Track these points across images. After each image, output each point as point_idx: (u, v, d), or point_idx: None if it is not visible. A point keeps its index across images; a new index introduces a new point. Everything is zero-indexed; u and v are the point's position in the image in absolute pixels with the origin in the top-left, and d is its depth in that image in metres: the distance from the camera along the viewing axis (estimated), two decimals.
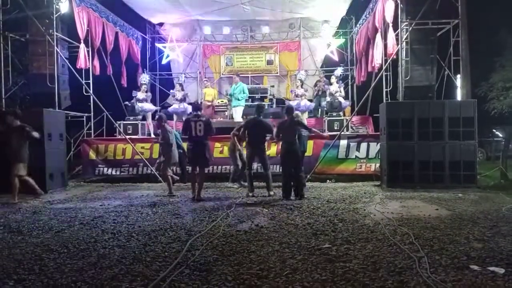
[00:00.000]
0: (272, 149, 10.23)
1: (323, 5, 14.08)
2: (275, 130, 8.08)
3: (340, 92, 12.69)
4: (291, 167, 7.83)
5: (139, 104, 12.26)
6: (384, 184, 9.17)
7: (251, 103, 13.53)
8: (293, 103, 12.46)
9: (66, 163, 10.08)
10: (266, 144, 8.44)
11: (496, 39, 17.22)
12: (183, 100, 12.68)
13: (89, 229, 5.31)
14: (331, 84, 12.96)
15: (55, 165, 9.20)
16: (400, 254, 4.04)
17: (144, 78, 13.07)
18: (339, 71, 13.31)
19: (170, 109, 12.84)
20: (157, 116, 9.23)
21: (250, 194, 8.05)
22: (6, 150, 7.76)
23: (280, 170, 9.89)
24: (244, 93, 12.81)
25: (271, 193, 8.13)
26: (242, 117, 12.31)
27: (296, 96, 12.84)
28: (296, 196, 7.72)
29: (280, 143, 8.27)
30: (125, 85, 14.20)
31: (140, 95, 12.55)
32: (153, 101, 14.00)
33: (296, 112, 9.94)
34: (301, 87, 13.11)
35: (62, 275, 3.55)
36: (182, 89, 12.92)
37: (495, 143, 16.59)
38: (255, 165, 8.79)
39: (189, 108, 12.87)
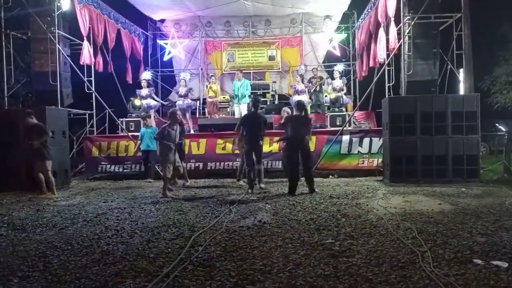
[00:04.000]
0: (275, 146, 10.23)
1: (324, 0, 14.03)
2: (288, 125, 8.06)
3: (343, 89, 12.67)
4: (302, 163, 7.88)
5: (143, 101, 12.32)
6: (386, 179, 9.17)
7: None
8: (296, 98, 12.49)
9: (69, 160, 10.11)
10: (262, 140, 8.42)
11: (499, 33, 17.15)
12: (185, 96, 12.71)
13: (93, 226, 5.33)
14: (334, 79, 12.94)
15: (58, 162, 9.20)
16: (403, 249, 4.04)
17: (145, 75, 13.12)
18: (340, 66, 13.28)
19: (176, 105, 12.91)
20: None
21: (250, 191, 7.96)
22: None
23: (280, 166, 9.95)
24: (247, 90, 12.82)
25: (262, 185, 8.33)
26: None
27: (296, 91, 12.83)
28: (311, 191, 7.79)
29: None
30: (130, 82, 14.23)
31: (144, 91, 12.60)
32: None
33: (285, 108, 9.98)
34: (302, 82, 13.10)
35: (66, 272, 3.57)
36: (185, 85, 12.97)
37: (498, 137, 16.53)
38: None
39: (192, 104, 12.98)
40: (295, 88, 13.01)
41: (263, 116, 8.56)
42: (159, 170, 8.39)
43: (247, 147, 8.21)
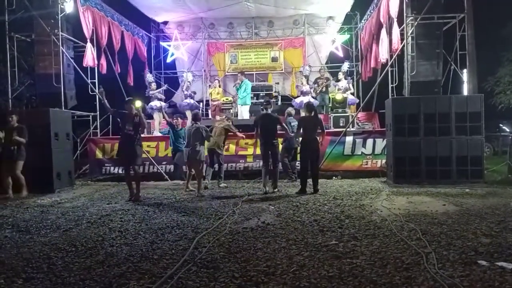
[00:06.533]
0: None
1: (327, 1, 14.01)
2: (296, 126, 8.30)
3: (350, 88, 12.64)
4: (311, 163, 8.03)
5: (153, 103, 12.36)
6: (390, 180, 9.14)
7: (256, 101, 13.55)
8: (298, 100, 12.53)
9: (73, 162, 10.13)
10: (277, 140, 8.50)
11: (503, 33, 17.10)
12: (190, 97, 12.81)
13: (97, 228, 5.34)
14: (339, 80, 12.92)
15: (62, 164, 9.24)
16: (408, 250, 4.03)
17: (150, 77, 13.21)
18: (345, 66, 13.24)
19: (182, 104, 13.00)
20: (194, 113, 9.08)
21: (266, 190, 8.09)
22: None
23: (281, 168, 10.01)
24: (245, 90, 12.80)
25: (276, 190, 8.25)
26: (251, 115, 12.44)
27: (302, 93, 12.82)
28: (315, 191, 7.92)
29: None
30: (132, 84, 14.26)
31: (153, 93, 12.66)
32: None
33: (289, 109, 10.02)
34: (307, 83, 13.09)
35: (70, 274, 3.58)
36: (190, 86, 13.08)
37: (502, 137, 16.48)
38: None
39: (196, 106, 13.05)
40: (300, 88, 13.01)
41: (276, 116, 8.51)
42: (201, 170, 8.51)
43: (263, 148, 8.28)
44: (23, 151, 8.19)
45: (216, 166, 9.35)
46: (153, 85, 12.95)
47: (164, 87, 13.52)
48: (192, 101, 12.88)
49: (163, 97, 13.19)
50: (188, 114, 12.57)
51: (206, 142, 8.58)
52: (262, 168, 8.33)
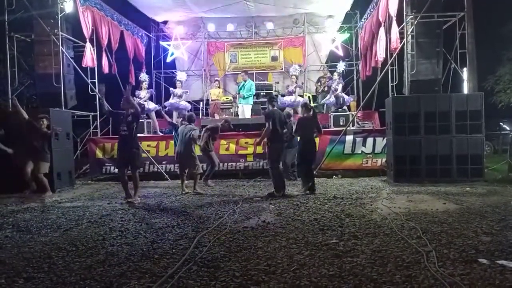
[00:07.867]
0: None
1: (327, 0, 14.00)
2: (294, 126, 8.15)
3: (337, 89, 12.53)
4: (309, 163, 7.96)
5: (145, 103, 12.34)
6: (390, 179, 9.14)
7: (256, 100, 13.54)
8: (287, 99, 12.54)
9: (73, 162, 10.13)
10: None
11: (503, 32, 17.11)
12: (181, 96, 12.82)
13: (97, 227, 5.34)
14: (334, 80, 12.93)
15: (63, 164, 9.24)
16: (408, 249, 4.03)
17: (144, 76, 13.21)
18: (341, 66, 13.23)
19: (167, 104, 13.02)
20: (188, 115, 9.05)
21: (280, 193, 7.56)
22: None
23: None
24: (250, 90, 12.78)
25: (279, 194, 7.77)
26: (252, 114, 12.45)
27: (290, 92, 12.79)
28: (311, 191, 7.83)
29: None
30: (133, 84, 14.25)
31: (142, 93, 12.64)
32: (159, 99, 14.08)
33: (287, 109, 10.00)
34: (295, 82, 13.07)
35: (71, 273, 3.58)
36: (181, 86, 13.11)
37: (503, 136, 16.48)
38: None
39: (187, 105, 13.09)
40: (287, 88, 13.06)
41: (282, 112, 8.15)
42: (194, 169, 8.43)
43: (277, 146, 7.70)
44: (45, 152, 8.24)
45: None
46: (144, 84, 12.96)
47: (151, 90, 13.53)
48: (182, 101, 12.86)
49: (151, 92, 13.32)
50: (175, 115, 12.63)
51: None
52: (277, 170, 7.69)
